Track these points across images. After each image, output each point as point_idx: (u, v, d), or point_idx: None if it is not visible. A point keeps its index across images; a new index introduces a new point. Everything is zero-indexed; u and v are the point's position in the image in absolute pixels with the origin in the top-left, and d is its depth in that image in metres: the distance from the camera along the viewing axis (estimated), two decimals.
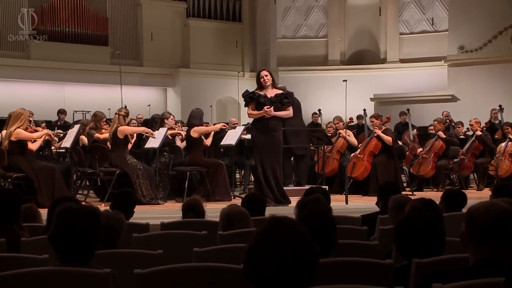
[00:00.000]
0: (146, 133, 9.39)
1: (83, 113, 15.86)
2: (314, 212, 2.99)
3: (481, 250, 2.36)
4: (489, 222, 2.33)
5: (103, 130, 9.58)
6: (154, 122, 10.87)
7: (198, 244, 3.76)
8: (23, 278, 2.72)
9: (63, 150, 11.51)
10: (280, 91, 8.38)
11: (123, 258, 3.36)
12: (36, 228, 4.63)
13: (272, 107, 8.13)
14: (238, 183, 12.25)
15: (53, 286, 2.71)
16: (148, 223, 4.91)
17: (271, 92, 8.30)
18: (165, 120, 9.93)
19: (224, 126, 10.24)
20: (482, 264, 2.33)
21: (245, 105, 8.48)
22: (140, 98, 17.47)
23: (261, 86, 8.35)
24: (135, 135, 9.65)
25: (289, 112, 8.31)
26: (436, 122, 11.46)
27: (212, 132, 10.04)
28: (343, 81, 9.85)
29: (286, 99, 8.23)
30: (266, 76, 8.31)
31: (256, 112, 8.22)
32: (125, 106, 11.11)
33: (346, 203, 8.47)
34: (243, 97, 8.47)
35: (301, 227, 2.12)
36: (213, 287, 2.79)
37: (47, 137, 9.08)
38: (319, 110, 15.30)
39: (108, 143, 9.20)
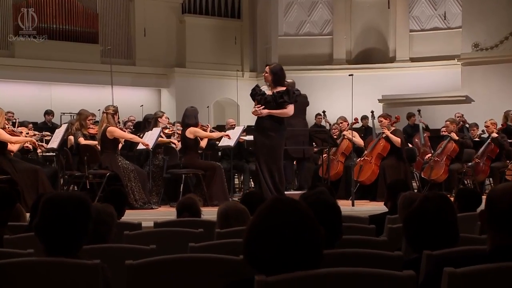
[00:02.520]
0: (138, 142, 9.44)
1: (71, 115, 15.85)
2: (318, 200, 2.99)
3: (501, 236, 2.34)
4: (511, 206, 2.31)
5: (90, 129, 9.58)
6: (148, 123, 10.88)
7: (194, 241, 3.75)
8: (7, 269, 2.71)
9: (50, 154, 11.54)
10: (280, 89, 8.38)
11: (114, 252, 3.36)
12: (19, 227, 4.64)
13: (263, 106, 8.18)
14: (237, 189, 12.24)
15: (39, 277, 2.71)
16: (140, 223, 4.90)
17: (271, 90, 8.34)
18: (159, 119, 9.93)
19: (226, 136, 10.20)
20: (501, 250, 2.31)
21: (253, 101, 8.58)
22: (132, 100, 17.47)
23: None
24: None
25: (285, 111, 8.24)
26: (448, 122, 11.45)
27: (206, 132, 10.05)
28: (349, 75, 9.86)
29: (282, 98, 8.21)
30: (266, 73, 8.35)
31: (253, 110, 8.31)
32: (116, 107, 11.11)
33: (353, 205, 8.47)
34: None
35: (304, 207, 2.13)
36: (208, 279, 2.79)
37: (30, 145, 9.15)
38: (324, 111, 15.32)
39: (97, 144, 9.22)
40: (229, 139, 10.23)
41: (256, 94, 8.29)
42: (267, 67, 8.48)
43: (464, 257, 2.42)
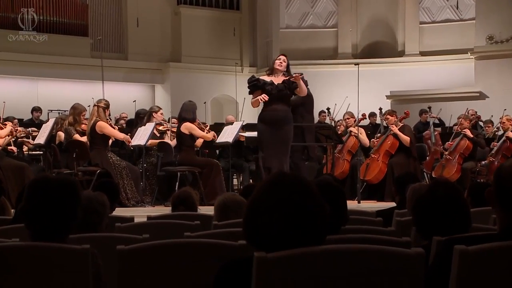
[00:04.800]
0: (127, 141, 9.44)
1: (59, 113, 15.88)
2: (322, 182, 3.01)
3: (510, 216, 2.35)
4: None
5: (83, 125, 9.58)
6: (140, 119, 10.90)
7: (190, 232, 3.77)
8: None
9: (37, 152, 11.56)
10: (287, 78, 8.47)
11: (105, 241, 3.37)
12: (3, 221, 4.67)
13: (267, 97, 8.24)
14: (236, 190, 12.21)
15: (25, 263, 2.72)
16: (133, 217, 4.92)
17: (279, 79, 8.37)
18: (154, 114, 9.97)
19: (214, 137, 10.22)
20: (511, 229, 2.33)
21: (250, 93, 8.53)
22: (124, 96, 17.46)
23: (271, 71, 8.44)
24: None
25: (305, 89, 8.41)
26: (462, 119, 11.47)
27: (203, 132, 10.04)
28: (355, 64, 9.88)
29: (294, 83, 8.31)
30: (285, 61, 8.43)
31: (254, 99, 8.28)
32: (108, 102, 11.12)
33: (359, 202, 8.50)
34: (248, 83, 8.52)
35: (308, 181, 2.14)
36: (204, 264, 2.81)
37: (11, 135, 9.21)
38: (328, 108, 15.35)
39: (87, 140, 9.24)
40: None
41: (265, 84, 8.28)
42: (284, 56, 8.58)
43: (474, 238, 2.43)
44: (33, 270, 2.72)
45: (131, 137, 9.84)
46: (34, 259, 2.73)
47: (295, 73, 8.32)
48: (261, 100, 8.16)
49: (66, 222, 2.85)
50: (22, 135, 10.76)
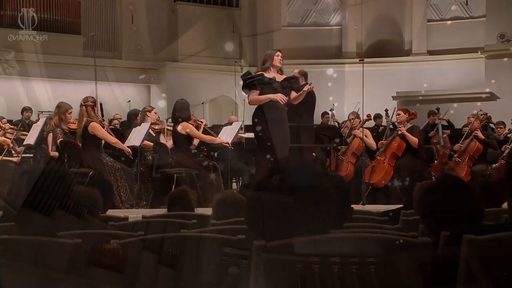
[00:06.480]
0: (122, 148, 9.46)
1: (50, 114, 15.89)
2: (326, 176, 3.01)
3: None
4: None
5: (71, 124, 9.56)
6: (131, 121, 10.92)
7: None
8: None
9: (26, 155, 11.55)
10: (285, 75, 8.50)
11: (98, 237, 3.38)
12: None
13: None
14: None
15: (15, 257, 2.73)
16: (127, 216, 4.94)
17: (279, 77, 8.38)
18: (147, 113, 9.99)
19: (226, 144, 10.11)
20: None
21: (246, 89, 8.42)
22: (118, 97, 17.49)
23: (266, 68, 8.41)
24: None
25: (301, 99, 8.46)
26: (472, 118, 11.48)
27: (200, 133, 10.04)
28: (360, 60, 9.90)
29: (296, 83, 8.34)
30: (281, 59, 8.46)
31: (263, 96, 8.19)
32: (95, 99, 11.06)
33: (363, 205, 8.52)
34: (244, 78, 8.43)
35: (321, 171, 2.16)
36: (201, 258, 2.81)
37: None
38: (331, 110, 15.38)
39: (78, 141, 9.25)
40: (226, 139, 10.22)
41: (271, 80, 8.26)
42: (280, 53, 8.56)
43: (483, 228, 2.44)
44: (24, 264, 2.73)
45: (126, 138, 9.86)
46: (24, 253, 2.74)
47: (310, 83, 8.30)
48: (281, 100, 8.08)
49: (57, 215, 2.86)
50: (9, 134, 10.71)
